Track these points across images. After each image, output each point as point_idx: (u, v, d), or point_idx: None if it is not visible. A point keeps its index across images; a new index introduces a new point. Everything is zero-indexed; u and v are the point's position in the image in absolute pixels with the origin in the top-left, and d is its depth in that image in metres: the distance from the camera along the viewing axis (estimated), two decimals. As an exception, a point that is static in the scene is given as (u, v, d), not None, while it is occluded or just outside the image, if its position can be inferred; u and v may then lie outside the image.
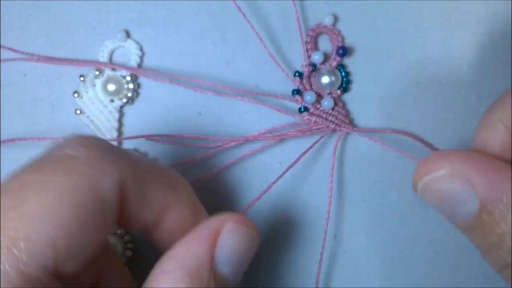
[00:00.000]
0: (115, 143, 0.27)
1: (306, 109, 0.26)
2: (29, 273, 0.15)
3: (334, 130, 0.26)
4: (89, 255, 0.17)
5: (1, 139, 0.27)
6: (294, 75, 0.26)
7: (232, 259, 0.19)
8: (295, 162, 0.26)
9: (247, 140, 0.26)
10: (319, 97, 0.26)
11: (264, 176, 0.27)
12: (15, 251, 0.15)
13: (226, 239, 0.19)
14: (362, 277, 0.26)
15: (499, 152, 0.20)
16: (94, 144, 0.18)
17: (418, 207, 0.26)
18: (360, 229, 0.26)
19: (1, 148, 0.27)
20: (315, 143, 0.26)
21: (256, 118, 0.27)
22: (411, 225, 0.26)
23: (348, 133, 0.26)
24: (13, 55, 0.27)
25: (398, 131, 0.26)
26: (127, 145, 0.27)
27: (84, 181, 0.16)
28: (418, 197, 0.26)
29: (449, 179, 0.19)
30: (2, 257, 0.15)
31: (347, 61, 0.27)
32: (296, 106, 0.26)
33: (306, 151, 0.26)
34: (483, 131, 0.21)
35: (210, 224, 0.19)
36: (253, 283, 0.26)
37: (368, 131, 0.26)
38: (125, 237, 0.26)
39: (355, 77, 0.27)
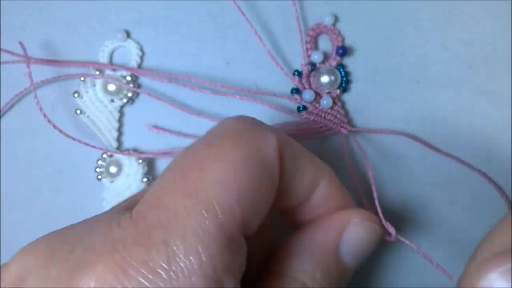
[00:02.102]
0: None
1: (304, 108, 0.26)
2: (228, 231, 0.17)
3: (332, 129, 0.26)
4: (263, 216, 0.19)
5: (1, 139, 0.27)
6: (293, 74, 0.26)
7: (354, 250, 0.22)
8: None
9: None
10: (318, 96, 0.26)
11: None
12: (212, 213, 0.17)
13: (351, 231, 0.21)
14: (362, 277, 0.26)
15: None
16: (251, 119, 0.20)
17: (418, 207, 0.26)
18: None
19: (1, 148, 0.27)
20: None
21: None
22: (411, 225, 0.26)
23: (347, 133, 0.26)
24: (12, 57, 0.27)
25: (396, 132, 0.26)
26: (127, 145, 0.27)
27: (250, 149, 0.18)
28: (418, 197, 0.26)
29: None
30: (206, 221, 0.17)
31: (347, 61, 0.27)
32: (295, 105, 0.26)
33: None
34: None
35: (339, 216, 0.22)
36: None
37: (366, 132, 0.26)
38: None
39: (355, 77, 0.27)
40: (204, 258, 0.17)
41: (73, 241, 0.18)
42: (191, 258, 0.16)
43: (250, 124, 0.20)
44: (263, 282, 0.21)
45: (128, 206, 0.19)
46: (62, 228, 0.19)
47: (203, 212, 0.17)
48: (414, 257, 0.26)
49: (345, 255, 0.21)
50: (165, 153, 0.27)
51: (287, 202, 0.21)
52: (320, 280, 0.21)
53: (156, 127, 0.27)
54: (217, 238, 0.17)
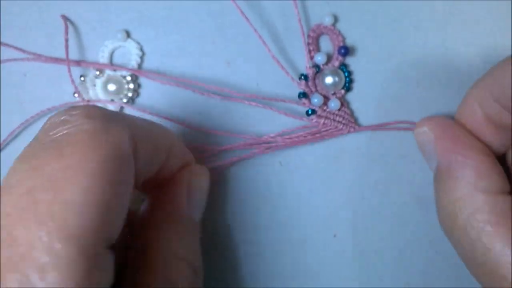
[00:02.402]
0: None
1: (314, 111, 0.26)
2: (93, 251, 0.16)
3: (341, 130, 0.26)
4: (125, 215, 0.18)
5: (1, 138, 0.27)
6: (300, 78, 0.26)
7: (200, 205, 0.23)
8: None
9: (259, 142, 0.26)
10: (325, 98, 0.26)
11: (264, 175, 0.27)
12: (73, 241, 0.15)
13: (194, 192, 0.23)
14: (362, 277, 0.26)
15: (471, 127, 0.23)
16: (98, 110, 0.18)
17: (418, 207, 0.26)
18: (360, 229, 0.26)
19: (1, 148, 0.27)
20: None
21: (257, 120, 0.27)
22: (411, 225, 0.26)
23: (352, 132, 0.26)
24: (15, 54, 0.27)
25: (404, 128, 0.26)
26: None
27: (107, 152, 0.16)
28: (418, 197, 0.26)
29: (425, 135, 0.24)
30: (67, 251, 0.15)
31: (348, 60, 0.27)
32: (298, 108, 0.26)
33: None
34: (462, 107, 0.24)
35: (181, 180, 0.23)
36: (252, 283, 0.26)
37: (376, 129, 0.26)
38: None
39: (356, 77, 0.27)
40: None
41: None
42: None
43: (99, 119, 0.17)
44: (140, 263, 0.20)
45: None
46: None
47: (63, 240, 0.15)
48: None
49: (195, 213, 0.23)
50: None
51: (140, 179, 0.20)
52: (192, 247, 0.21)
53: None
54: (82, 264, 0.15)
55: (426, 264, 0.26)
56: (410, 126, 0.26)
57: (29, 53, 0.27)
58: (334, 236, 0.26)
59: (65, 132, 0.17)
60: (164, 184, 0.23)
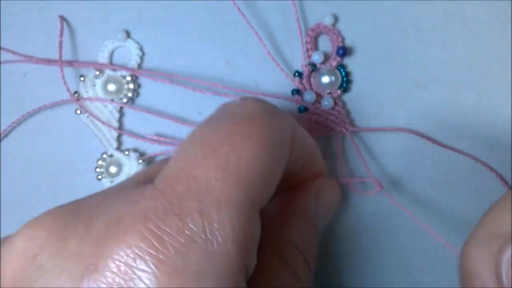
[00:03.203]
0: (115, 144, 0.27)
1: (306, 109, 0.26)
2: (254, 206, 0.18)
3: (333, 130, 0.26)
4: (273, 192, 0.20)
5: (1, 138, 0.27)
6: (294, 75, 0.26)
7: (325, 215, 0.24)
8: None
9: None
10: (319, 97, 0.26)
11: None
12: (243, 188, 0.18)
13: (323, 198, 0.24)
14: (362, 277, 0.26)
15: None
16: (268, 103, 0.21)
17: (418, 207, 0.26)
18: (359, 228, 0.26)
19: (1, 147, 0.27)
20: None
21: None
22: (410, 225, 0.26)
23: (349, 133, 0.26)
24: (12, 56, 0.27)
25: (397, 128, 0.26)
26: (127, 145, 0.27)
27: (273, 131, 0.19)
28: (418, 198, 0.26)
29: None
30: (238, 194, 0.17)
31: (347, 61, 0.27)
32: (296, 106, 0.26)
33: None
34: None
35: (314, 186, 0.24)
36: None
37: (368, 130, 0.26)
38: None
39: (355, 77, 0.27)
40: (237, 229, 0.17)
41: (89, 214, 0.17)
42: (226, 228, 0.17)
43: (269, 107, 0.20)
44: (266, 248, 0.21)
45: (144, 180, 0.19)
46: (71, 202, 0.18)
47: (236, 185, 0.17)
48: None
49: (319, 222, 0.24)
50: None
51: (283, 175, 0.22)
52: (310, 246, 0.23)
53: (156, 134, 0.27)
54: (247, 211, 0.17)
55: (426, 265, 0.26)
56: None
57: (19, 55, 0.27)
58: (334, 235, 0.26)
59: (242, 109, 0.20)
60: (294, 188, 0.24)
